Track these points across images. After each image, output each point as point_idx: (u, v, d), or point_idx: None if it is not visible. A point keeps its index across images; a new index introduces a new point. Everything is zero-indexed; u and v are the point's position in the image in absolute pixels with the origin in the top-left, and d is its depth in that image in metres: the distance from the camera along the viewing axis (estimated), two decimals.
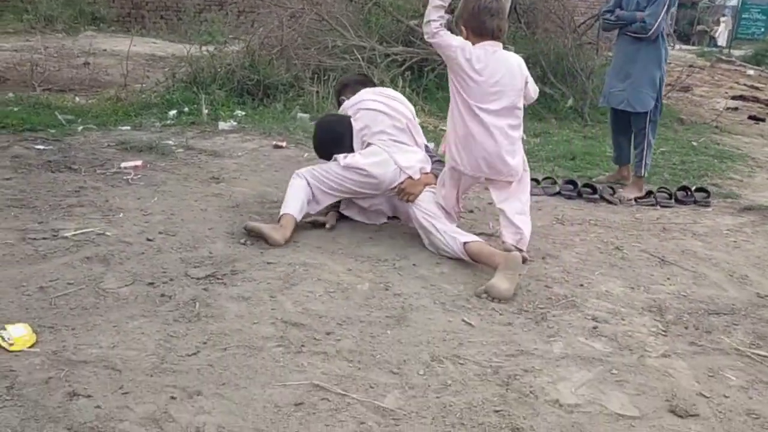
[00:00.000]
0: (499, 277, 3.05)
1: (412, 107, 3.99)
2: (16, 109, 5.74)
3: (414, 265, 3.31)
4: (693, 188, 4.88)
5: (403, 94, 7.01)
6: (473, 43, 3.35)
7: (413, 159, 3.73)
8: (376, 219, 3.90)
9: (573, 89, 8.05)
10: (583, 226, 4.14)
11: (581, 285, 3.23)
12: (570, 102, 7.88)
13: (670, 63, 14.45)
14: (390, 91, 4.16)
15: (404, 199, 3.66)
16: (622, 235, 4.00)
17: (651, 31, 4.64)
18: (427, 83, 7.60)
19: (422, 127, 6.30)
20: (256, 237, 3.42)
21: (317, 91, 6.88)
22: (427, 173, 3.75)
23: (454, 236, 3.42)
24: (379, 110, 3.79)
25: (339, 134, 3.79)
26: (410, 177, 3.66)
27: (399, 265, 3.30)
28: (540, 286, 3.17)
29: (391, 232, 3.76)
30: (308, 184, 3.67)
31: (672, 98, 9.71)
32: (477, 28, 3.35)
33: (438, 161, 3.91)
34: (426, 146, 4.00)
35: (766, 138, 8.08)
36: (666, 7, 4.64)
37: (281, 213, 3.57)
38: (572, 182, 4.86)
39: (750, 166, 6.19)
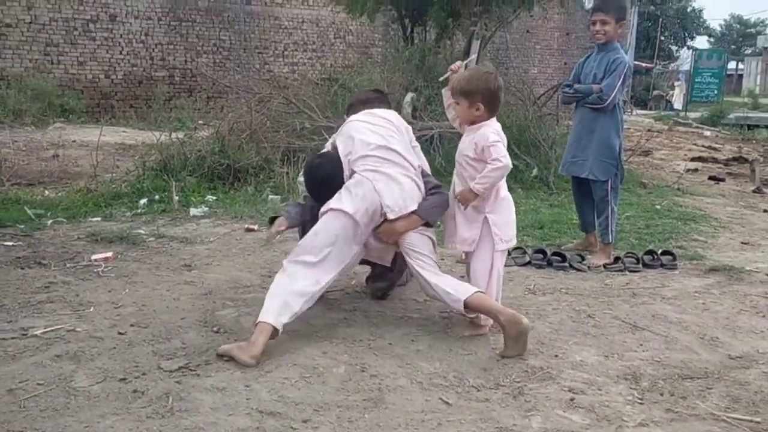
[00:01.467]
0: (509, 346, 3.19)
1: (409, 126, 3.80)
2: None
3: (390, 344, 3.31)
4: (659, 251, 4.98)
5: None
6: (485, 120, 3.41)
7: (398, 193, 3.38)
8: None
9: (537, 159, 8.25)
10: (555, 295, 4.19)
11: (556, 356, 3.25)
12: (535, 171, 8.07)
13: (629, 128, 14.98)
14: (384, 111, 3.79)
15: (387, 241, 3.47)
16: (594, 302, 4.05)
17: (607, 102, 4.83)
18: None
19: None
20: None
21: (287, 173, 6.97)
22: (410, 214, 3.40)
23: (449, 292, 3.31)
24: (364, 130, 3.52)
25: (328, 174, 3.46)
26: (386, 219, 3.37)
27: (374, 345, 3.29)
28: (516, 359, 3.18)
29: (365, 311, 3.76)
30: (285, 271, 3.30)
31: (633, 162, 9.99)
32: (495, 106, 3.42)
33: (435, 189, 3.58)
34: (423, 170, 3.65)
35: (728, 198, 8.31)
36: (621, 78, 4.84)
37: (256, 321, 3.15)
38: (542, 251, 4.94)
39: (713, 227, 6.34)
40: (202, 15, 15.56)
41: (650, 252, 4.98)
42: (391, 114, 3.76)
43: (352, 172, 3.42)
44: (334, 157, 3.51)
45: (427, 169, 3.74)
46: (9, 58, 13.54)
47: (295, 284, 3.24)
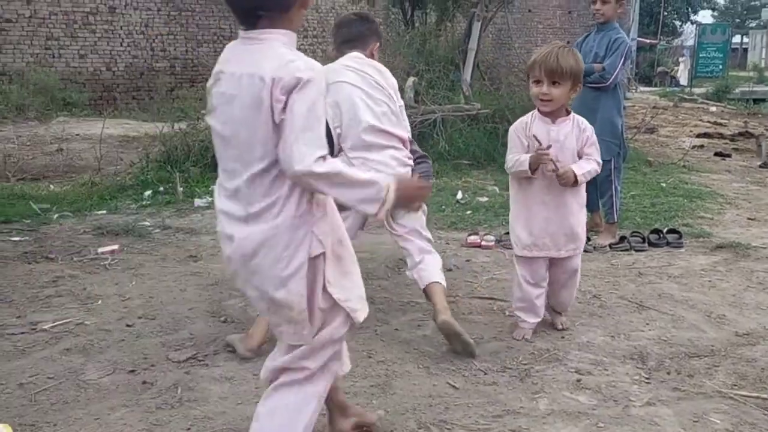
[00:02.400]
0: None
1: (395, 84, 3.47)
2: None
3: (396, 329, 3.32)
4: (665, 230, 4.97)
5: None
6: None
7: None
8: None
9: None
10: None
11: (562, 337, 3.25)
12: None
13: (633, 105, 14.91)
14: (375, 66, 3.41)
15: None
16: (600, 282, 4.05)
17: (610, 81, 4.81)
18: None
19: None
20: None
21: None
22: None
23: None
24: (356, 100, 3.23)
25: None
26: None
27: (381, 330, 3.31)
28: (522, 341, 3.19)
29: (371, 297, 3.76)
30: None
31: (638, 140, 9.94)
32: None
33: (422, 159, 3.58)
34: (411, 140, 3.49)
35: (734, 174, 8.27)
36: (623, 57, 4.81)
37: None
38: None
39: (719, 204, 6.32)
40: (201, 4, 15.49)
41: (656, 231, 4.97)
42: (382, 71, 3.41)
43: (341, 150, 3.27)
44: None
45: (409, 131, 3.46)
46: (10, 53, 13.53)
47: None
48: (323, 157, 1.72)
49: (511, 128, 3.24)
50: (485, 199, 6.31)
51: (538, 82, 3.06)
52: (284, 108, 1.72)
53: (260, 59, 1.77)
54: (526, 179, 3.12)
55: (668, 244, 4.79)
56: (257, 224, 1.81)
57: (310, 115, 1.71)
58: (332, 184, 1.75)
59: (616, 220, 4.93)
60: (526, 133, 3.12)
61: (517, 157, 3.10)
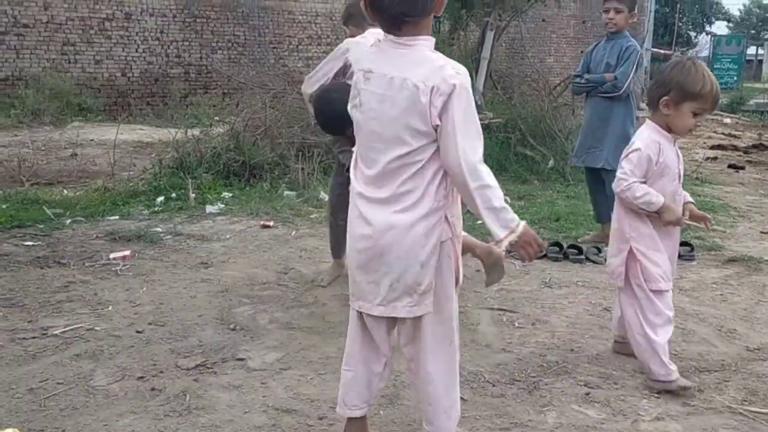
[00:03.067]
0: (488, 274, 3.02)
1: None
2: (4, 206, 5.79)
3: None
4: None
5: None
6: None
7: None
8: None
9: (553, 150, 8.20)
10: (571, 288, 4.17)
11: (572, 350, 3.24)
12: (551, 163, 8.02)
13: (646, 116, 14.80)
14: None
15: None
16: (610, 295, 4.02)
17: (623, 89, 4.80)
18: None
19: None
20: None
21: (302, 168, 6.98)
22: None
23: None
24: None
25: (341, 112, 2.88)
26: None
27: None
28: (531, 354, 3.18)
29: None
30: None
31: None
32: None
33: None
34: None
35: (747, 186, 8.21)
36: (635, 65, 4.80)
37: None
38: (557, 244, 4.92)
39: (732, 216, 6.27)
40: (216, 11, 15.60)
41: None
42: None
43: None
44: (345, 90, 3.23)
45: None
46: (27, 58, 13.67)
47: None
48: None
49: (642, 145, 2.84)
50: None
51: (696, 114, 2.79)
52: (441, 112, 1.92)
53: (411, 64, 1.96)
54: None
55: (680, 257, 4.74)
56: (399, 208, 2.01)
57: (467, 116, 1.94)
58: (482, 187, 1.97)
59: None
60: (658, 156, 2.83)
61: (647, 193, 2.80)
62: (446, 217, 2.06)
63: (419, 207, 2.00)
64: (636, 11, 4.98)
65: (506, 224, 2.01)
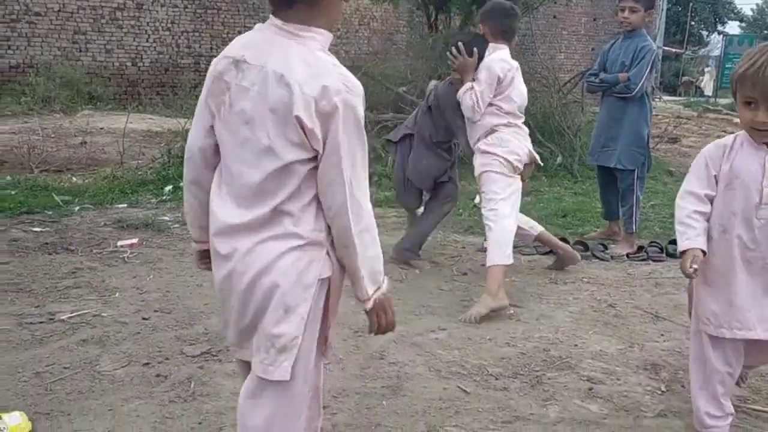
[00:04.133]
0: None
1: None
2: (13, 192, 5.83)
3: (408, 332, 3.33)
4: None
5: (394, 158, 7.22)
6: None
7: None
8: None
9: (561, 147, 8.19)
10: (576, 284, 4.17)
11: (576, 345, 3.24)
12: (559, 159, 8.01)
13: (657, 115, 14.77)
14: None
15: None
16: (615, 291, 4.03)
17: (635, 90, 4.78)
18: None
19: None
20: None
21: None
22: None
23: None
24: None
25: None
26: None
27: (393, 332, 3.31)
28: (535, 348, 3.19)
29: None
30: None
31: (660, 150, 9.87)
32: None
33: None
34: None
35: None
36: (650, 66, 4.77)
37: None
38: (564, 240, 4.91)
39: None
40: (227, 2, 15.62)
41: (674, 241, 4.91)
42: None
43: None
44: None
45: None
46: (38, 46, 13.72)
47: None
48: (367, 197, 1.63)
49: (704, 151, 2.34)
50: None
51: (749, 103, 2.15)
52: (322, 133, 1.54)
53: (294, 60, 1.55)
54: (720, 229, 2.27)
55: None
56: (267, 236, 1.60)
57: (354, 142, 1.57)
58: (365, 231, 1.63)
59: (634, 230, 4.90)
60: (722, 162, 2.26)
61: (680, 223, 2.29)
62: (327, 252, 1.65)
63: (292, 236, 1.60)
64: (653, 10, 4.93)
65: (377, 278, 1.69)
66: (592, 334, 3.38)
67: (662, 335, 3.38)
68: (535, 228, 4.24)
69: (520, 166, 3.78)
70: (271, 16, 1.63)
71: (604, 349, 3.20)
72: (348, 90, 1.55)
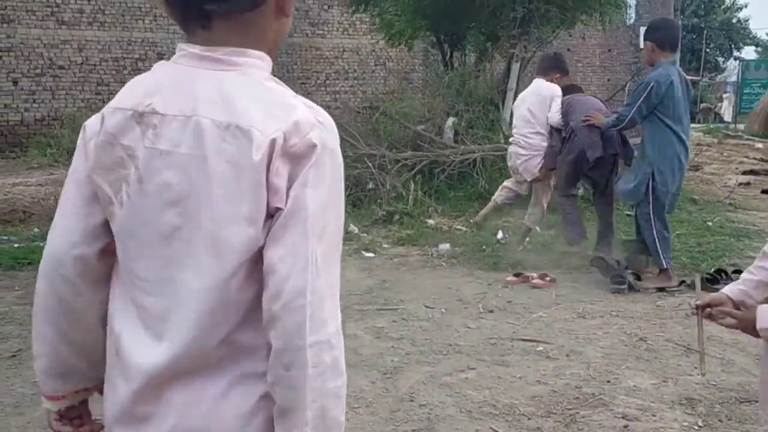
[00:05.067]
0: None
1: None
2: (41, 244, 5.91)
3: (437, 372, 3.30)
4: (731, 271, 4.78)
5: (415, 196, 7.26)
6: None
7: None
8: None
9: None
10: (605, 318, 4.12)
11: (608, 381, 3.19)
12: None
13: None
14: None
15: None
16: (645, 324, 3.98)
17: (624, 122, 4.77)
18: (438, 184, 7.76)
19: (437, 229, 6.42)
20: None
21: None
22: None
23: None
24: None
25: None
26: None
27: (422, 373, 3.29)
28: (566, 386, 3.14)
29: (412, 339, 3.76)
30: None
31: (683, 178, 9.78)
32: None
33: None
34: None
35: None
36: (644, 97, 4.62)
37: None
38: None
39: None
40: None
41: (720, 271, 4.81)
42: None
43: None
44: None
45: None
46: (62, 98, 14.05)
47: None
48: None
49: None
50: (526, 238, 6.27)
51: None
52: (288, 187, 1.02)
53: (234, 95, 1.05)
54: None
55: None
56: (217, 383, 1.05)
57: (331, 204, 1.05)
58: (323, 344, 1.02)
59: (665, 266, 4.72)
60: None
61: (743, 278, 1.89)
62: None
63: (229, 369, 1.06)
64: (651, 43, 4.73)
65: None
66: (624, 369, 3.33)
67: (696, 368, 3.31)
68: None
69: None
70: (180, 45, 1.12)
71: (637, 384, 3.15)
72: (323, 125, 1.06)
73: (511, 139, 5.73)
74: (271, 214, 1.03)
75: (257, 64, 1.10)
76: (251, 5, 1.08)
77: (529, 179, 5.60)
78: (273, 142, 1.02)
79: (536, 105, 5.48)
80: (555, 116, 5.41)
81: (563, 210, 5.58)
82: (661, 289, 4.64)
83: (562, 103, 5.43)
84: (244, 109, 1.04)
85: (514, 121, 5.69)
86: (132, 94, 1.13)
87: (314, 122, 1.05)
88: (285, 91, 1.09)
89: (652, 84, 4.57)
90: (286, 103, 1.07)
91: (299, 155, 1.03)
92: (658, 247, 4.70)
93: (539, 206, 5.85)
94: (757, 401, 2.94)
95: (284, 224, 1.02)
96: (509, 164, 5.74)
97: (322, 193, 1.04)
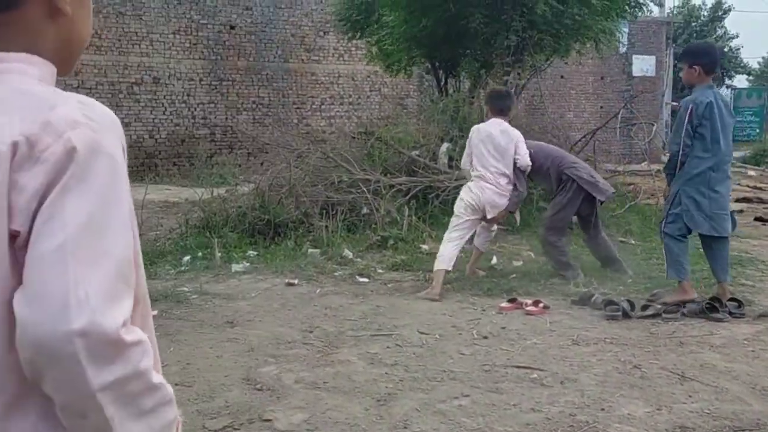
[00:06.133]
0: None
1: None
2: None
3: (431, 399, 3.29)
4: (726, 299, 4.79)
5: (410, 222, 7.28)
6: None
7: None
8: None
9: None
10: (599, 345, 4.12)
11: (602, 409, 3.18)
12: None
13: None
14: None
15: None
16: (639, 352, 3.97)
17: (678, 156, 4.77)
18: (432, 210, 7.78)
19: (432, 254, 6.43)
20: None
21: (326, 226, 7.05)
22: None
23: None
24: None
25: None
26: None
27: (416, 400, 3.27)
28: (560, 413, 3.13)
29: (406, 365, 3.75)
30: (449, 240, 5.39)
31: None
32: None
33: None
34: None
35: None
36: (685, 123, 4.70)
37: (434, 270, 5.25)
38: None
39: (761, 270, 6.18)
40: (241, 74, 16.03)
41: (715, 299, 4.80)
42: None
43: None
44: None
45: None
46: None
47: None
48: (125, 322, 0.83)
49: None
50: (520, 263, 6.29)
51: None
52: (33, 203, 0.82)
53: None
54: None
55: (729, 313, 4.62)
56: None
57: (106, 219, 0.85)
58: (120, 383, 0.83)
59: (673, 277, 4.88)
60: None
61: None
62: None
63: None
64: (697, 66, 4.79)
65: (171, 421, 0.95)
66: (618, 397, 3.32)
67: (690, 396, 3.32)
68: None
69: None
70: None
71: (631, 412, 3.14)
72: (92, 123, 0.87)
73: (474, 173, 5.47)
74: (13, 237, 0.81)
75: (18, 68, 0.90)
76: (19, 5, 0.91)
77: (489, 216, 5.49)
78: (15, 148, 0.81)
79: (505, 145, 5.44)
80: (526, 159, 5.48)
81: (559, 253, 5.74)
82: (673, 309, 4.63)
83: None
84: None
85: (480, 156, 5.43)
86: None
87: (77, 119, 0.85)
88: (48, 91, 0.89)
89: (691, 106, 4.70)
90: (43, 103, 0.86)
91: (51, 162, 0.82)
92: (666, 260, 4.88)
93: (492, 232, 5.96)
94: (751, 430, 2.94)
95: (32, 254, 0.80)
96: (472, 199, 5.41)
97: (90, 207, 0.83)
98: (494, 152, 5.42)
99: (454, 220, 5.54)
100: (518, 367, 3.74)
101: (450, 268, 5.33)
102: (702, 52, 4.96)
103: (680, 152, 4.73)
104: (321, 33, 16.81)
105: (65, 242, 0.80)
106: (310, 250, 6.68)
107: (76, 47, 1.02)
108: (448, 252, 5.33)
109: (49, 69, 0.95)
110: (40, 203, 0.81)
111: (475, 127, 5.69)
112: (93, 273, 0.81)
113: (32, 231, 0.81)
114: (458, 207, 5.53)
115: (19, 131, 0.82)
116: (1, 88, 0.88)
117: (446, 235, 5.50)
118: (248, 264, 6.26)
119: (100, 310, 0.80)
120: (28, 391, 0.84)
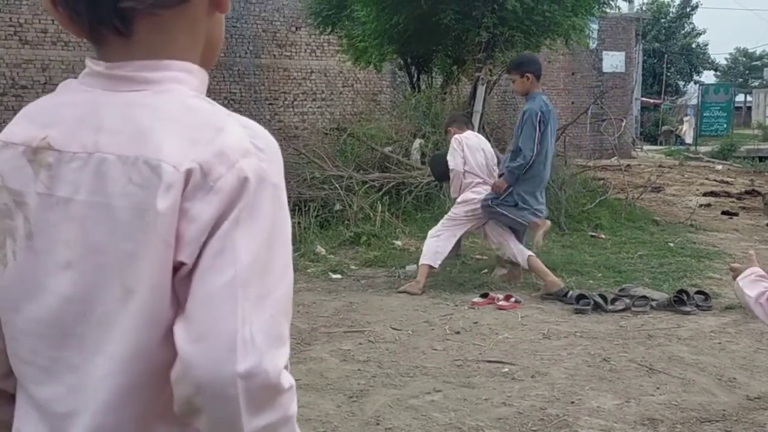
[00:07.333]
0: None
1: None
2: None
3: (403, 395, 3.30)
4: (693, 292, 4.87)
5: (382, 217, 7.29)
6: None
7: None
8: None
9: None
10: (570, 338, 4.16)
11: (572, 402, 3.22)
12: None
13: (639, 164, 15.02)
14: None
15: None
16: (609, 345, 4.03)
17: (531, 159, 4.97)
18: (405, 206, 7.80)
19: (404, 250, 6.44)
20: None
21: (299, 223, 7.02)
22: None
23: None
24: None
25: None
26: None
27: (389, 396, 3.28)
28: (531, 407, 3.16)
29: (379, 361, 3.76)
30: (435, 236, 5.31)
31: (645, 199, 9.99)
32: None
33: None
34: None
35: (741, 233, 8.26)
36: (536, 128, 4.93)
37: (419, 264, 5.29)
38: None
39: (727, 263, 6.28)
40: (213, 69, 15.86)
41: (682, 291, 4.88)
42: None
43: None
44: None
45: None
46: None
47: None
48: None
49: None
50: (485, 258, 6.32)
51: None
52: (204, 234, 0.77)
53: (145, 122, 0.80)
54: None
55: (697, 306, 4.70)
56: None
57: (273, 255, 0.80)
58: (273, 427, 0.81)
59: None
60: None
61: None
62: None
63: None
64: (530, 74, 5.05)
65: None
66: (588, 390, 3.36)
67: (658, 388, 3.37)
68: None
69: None
70: (88, 61, 0.88)
71: (600, 405, 3.18)
72: (261, 153, 0.82)
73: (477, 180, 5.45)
74: (176, 269, 0.78)
75: (181, 78, 0.86)
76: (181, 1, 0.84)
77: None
78: (188, 175, 0.77)
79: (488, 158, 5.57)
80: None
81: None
82: (641, 302, 4.71)
83: None
84: (155, 137, 0.78)
85: (479, 163, 5.49)
86: (26, 124, 0.88)
87: (248, 148, 0.80)
88: (214, 110, 0.84)
89: (539, 113, 4.94)
90: (211, 124, 0.81)
91: (224, 192, 0.77)
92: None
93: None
94: (717, 421, 2.99)
95: (200, 288, 0.76)
96: (472, 202, 5.38)
97: (259, 242, 0.78)
98: (484, 161, 5.53)
99: (448, 222, 5.47)
100: (490, 361, 3.77)
101: (435, 266, 5.28)
102: (531, 61, 5.20)
103: (532, 157, 4.94)
104: (293, 28, 16.71)
105: (235, 278, 0.76)
106: None
107: (217, 49, 0.97)
108: (433, 247, 5.33)
109: (203, 77, 0.91)
110: (210, 235, 0.77)
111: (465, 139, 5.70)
112: (259, 312, 0.77)
113: (199, 263, 0.77)
114: (460, 210, 5.45)
115: (193, 157, 0.77)
116: (169, 101, 0.83)
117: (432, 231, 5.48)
118: None
119: (265, 353, 0.76)
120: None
